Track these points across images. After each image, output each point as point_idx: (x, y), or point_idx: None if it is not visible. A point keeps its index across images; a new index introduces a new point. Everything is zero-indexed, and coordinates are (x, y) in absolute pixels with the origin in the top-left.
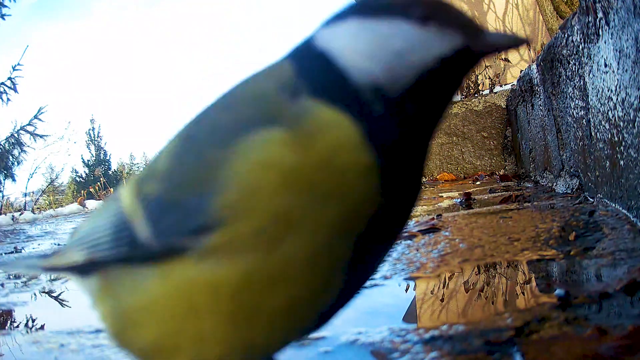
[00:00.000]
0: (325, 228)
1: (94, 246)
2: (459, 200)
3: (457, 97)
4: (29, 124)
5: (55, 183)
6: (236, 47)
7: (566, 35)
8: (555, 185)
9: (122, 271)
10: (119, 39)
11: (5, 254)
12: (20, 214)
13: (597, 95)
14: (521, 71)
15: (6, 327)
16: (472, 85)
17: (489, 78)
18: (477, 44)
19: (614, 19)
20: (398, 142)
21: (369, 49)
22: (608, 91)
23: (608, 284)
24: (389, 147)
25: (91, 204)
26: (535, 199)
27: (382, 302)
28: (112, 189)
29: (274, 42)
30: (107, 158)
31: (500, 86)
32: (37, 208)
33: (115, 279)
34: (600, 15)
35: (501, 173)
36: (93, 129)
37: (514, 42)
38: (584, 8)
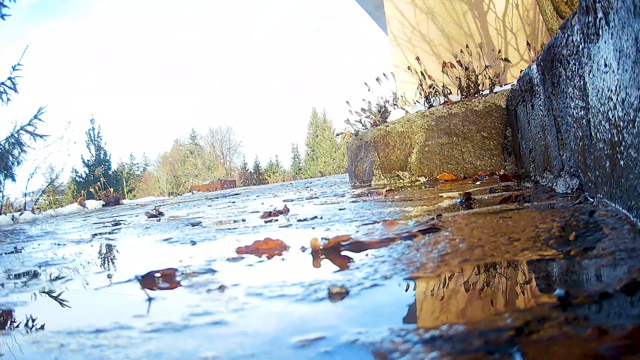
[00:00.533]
0: None
1: None
2: (459, 200)
3: (457, 97)
4: (29, 124)
5: (55, 183)
6: (236, 47)
7: (566, 35)
8: (555, 185)
9: None
10: (119, 39)
11: (5, 254)
12: (20, 214)
13: (597, 95)
14: (521, 71)
15: (6, 327)
16: (472, 85)
17: (489, 78)
18: None
19: (614, 19)
20: None
21: None
22: (608, 91)
23: (608, 284)
24: None
25: (91, 204)
26: (535, 199)
27: (382, 302)
28: (112, 189)
29: (273, 42)
30: (107, 158)
31: (500, 86)
32: (37, 208)
33: None
34: (600, 15)
35: (501, 173)
36: (93, 129)
37: None
38: (584, 8)
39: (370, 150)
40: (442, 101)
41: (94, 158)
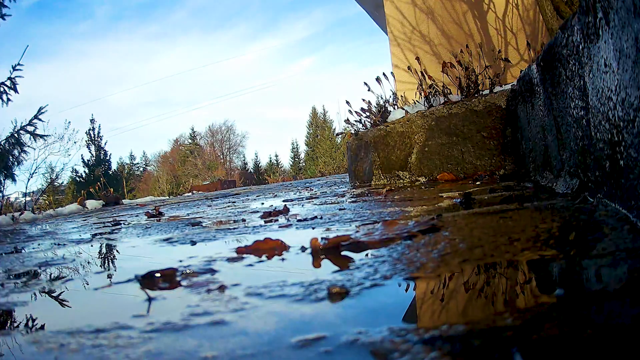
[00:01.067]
0: None
1: None
2: (459, 200)
3: (457, 97)
4: (29, 124)
5: (55, 183)
6: (237, 47)
7: (566, 35)
8: (555, 185)
9: None
10: (119, 39)
11: (5, 253)
12: (20, 214)
13: (597, 95)
14: (521, 71)
15: (6, 327)
16: (472, 85)
17: (489, 78)
18: None
19: (614, 19)
20: None
21: None
22: (608, 91)
23: (608, 284)
24: None
25: (91, 204)
26: (535, 199)
27: (382, 302)
28: (112, 189)
29: (274, 42)
30: (107, 158)
31: (500, 86)
32: (37, 208)
33: None
34: (600, 15)
35: (501, 173)
36: (93, 128)
37: None
38: (584, 8)
39: (370, 150)
40: (442, 101)
41: (94, 158)
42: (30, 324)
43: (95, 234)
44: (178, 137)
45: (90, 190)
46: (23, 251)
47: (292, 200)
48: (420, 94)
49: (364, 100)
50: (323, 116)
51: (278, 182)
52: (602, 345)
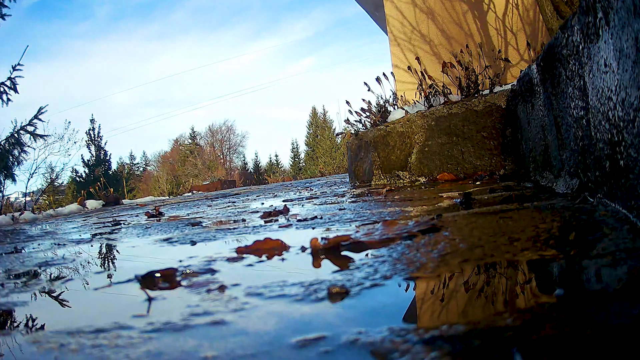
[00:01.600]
0: None
1: None
2: (459, 200)
3: (457, 97)
4: (29, 124)
5: (55, 183)
6: (237, 46)
7: (566, 35)
8: (555, 185)
9: None
10: (119, 39)
11: (5, 253)
12: (20, 214)
13: (597, 95)
14: (521, 71)
15: (6, 327)
16: (472, 85)
17: (489, 78)
18: None
19: (614, 19)
20: None
21: None
22: (608, 91)
23: (608, 284)
24: None
25: (91, 203)
26: (535, 199)
27: (382, 302)
28: (112, 189)
29: (274, 42)
30: (107, 158)
31: (500, 86)
32: (37, 208)
33: None
34: (600, 15)
35: (501, 173)
36: (93, 128)
37: None
38: (584, 8)
39: (370, 150)
40: (442, 101)
41: (94, 158)
42: (30, 323)
43: (95, 234)
44: (178, 137)
45: (90, 190)
46: (23, 251)
47: (292, 200)
48: (420, 94)
49: (364, 100)
50: (323, 116)
51: (278, 182)
52: (602, 345)
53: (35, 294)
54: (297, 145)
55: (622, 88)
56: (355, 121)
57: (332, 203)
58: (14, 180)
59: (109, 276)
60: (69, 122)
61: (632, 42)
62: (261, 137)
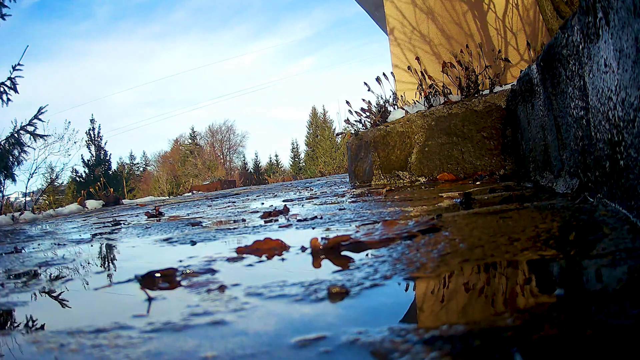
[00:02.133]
0: None
1: None
2: (459, 200)
3: (457, 97)
4: (29, 124)
5: (55, 183)
6: (237, 46)
7: (566, 36)
8: (555, 185)
9: None
10: (119, 39)
11: (5, 253)
12: (20, 214)
13: (597, 95)
14: (521, 71)
15: (6, 327)
16: (472, 85)
17: (489, 78)
18: None
19: (614, 19)
20: None
21: None
22: (608, 91)
23: (608, 284)
24: None
25: (91, 203)
26: (535, 199)
27: (382, 302)
28: (112, 189)
29: (274, 42)
30: (107, 158)
31: (500, 86)
32: (37, 208)
33: None
34: (600, 15)
35: (501, 173)
36: (93, 128)
37: None
38: (584, 8)
39: (370, 150)
40: (442, 101)
41: (94, 158)
42: (30, 323)
43: (95, 234)
44: (178, 137)
45: (90, 190)
46: (23, 251)
47: (292, 200)
48: (420, 93)
49: (364, 100)
50: (323, 116)
51: (278, 182)
52: (602, 345)
53: (35, 294)
54: (297, 145)
55: (622, 88)
56: (355, 121)
57: (332, 203)
58: (14, 180)
59: (109, 276)
60: (69, 122)
61: (632, 42)
62: (261, 137)
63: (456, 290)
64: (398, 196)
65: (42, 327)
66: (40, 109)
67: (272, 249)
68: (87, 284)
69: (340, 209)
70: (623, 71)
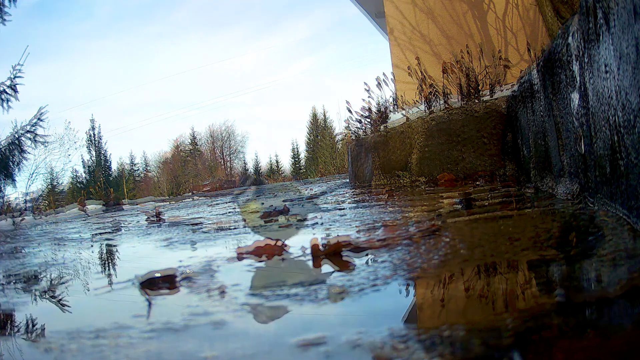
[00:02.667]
0: None
1: None
2: (459, 202)
3: (457, 99)
4: (29, 125)
5: (55, 185)
6: (237, 46)
7: (566, 39)
8: (556, 188)
9: None
10: (120, 39)
11: (5, 254)
12: (20, 216)
13: (597, 99)
14: (521, 71)
15: (6, 328)
16: (472, 90)
17: (489, 78)
18: None
19: (614, 23)
20: None
21: None
22: (608, 95)
23: (608, 285)
24: None
25: (91, 205)
26: (535, 201)
27: (382, 303)
28: (112, 189)
29: (275, 42)
30: (108, 159)
31: (500, 86)
32: (38, 210)
33: None
34: (600, 17)
35: (501, 173)
36: (93, 129)
37: None
38: (584, 11)
39: (370, 152)
40: (442, 102)
41: (95, 160)
42: (30, 324)
43: (96, 236)
44: (178, 137)
45: (90, 190)
46: (23, 252)
47: (292, 200)
48: (420, 94)
49: (364, 100)
50: (323, 117)
51: (278, 183)
52: (602, 345)
53: (35, 295)
54: (297, 146)
55: (622, 91)
56: (356, 120)
57: (332, 203)
58: (14, 182)
59: (110, 277)
60: (69, 122)
61: (632, 46)
62: (261, 138)
63: (456, 290)
64: (398, 197)
65: (43, 327)
66: (41, 109)
67: (272, 250)
68: (88, 285)
69: (340, 210)
70: (623, 75)
